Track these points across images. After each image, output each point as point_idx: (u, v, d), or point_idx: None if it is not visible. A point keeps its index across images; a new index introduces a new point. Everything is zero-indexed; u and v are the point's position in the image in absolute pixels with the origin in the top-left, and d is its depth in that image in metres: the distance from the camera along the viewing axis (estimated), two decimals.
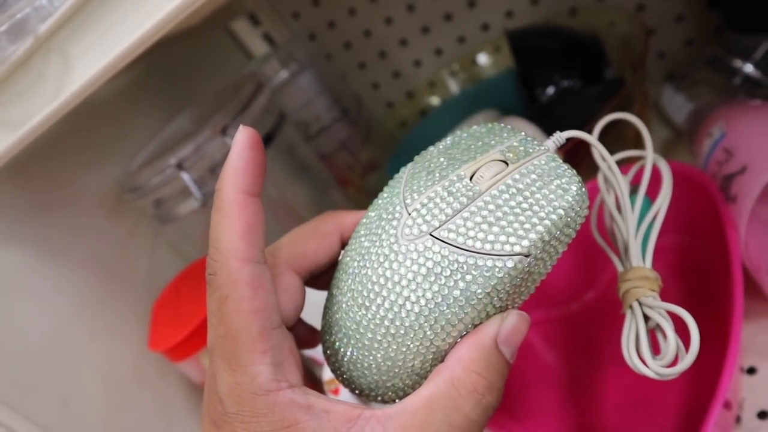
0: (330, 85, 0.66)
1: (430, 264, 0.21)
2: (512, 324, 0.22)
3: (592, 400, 0.44)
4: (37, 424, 0.43)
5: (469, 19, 0.64)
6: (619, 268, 0.29)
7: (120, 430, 0.47)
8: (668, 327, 0.24)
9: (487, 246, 0.20)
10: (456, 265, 0.21)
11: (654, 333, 0.26)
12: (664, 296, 0.45)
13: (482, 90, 0.64)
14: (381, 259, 0.22)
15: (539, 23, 0.56)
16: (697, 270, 0.43)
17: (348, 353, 0.23)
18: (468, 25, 0.65)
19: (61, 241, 0.48)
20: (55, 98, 0.34)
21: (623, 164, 0.32)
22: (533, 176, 0.22)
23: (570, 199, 0.21)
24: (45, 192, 0.48)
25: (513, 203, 0.21)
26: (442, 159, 0.24)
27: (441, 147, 0.25)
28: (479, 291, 0.20)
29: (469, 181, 0.22)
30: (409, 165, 0.25)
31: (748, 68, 0.49)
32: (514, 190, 0.21)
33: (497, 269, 0.20)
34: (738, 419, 0.35)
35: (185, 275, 0.50)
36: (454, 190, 0.22)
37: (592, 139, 0.27)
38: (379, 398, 0.24)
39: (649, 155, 0.29)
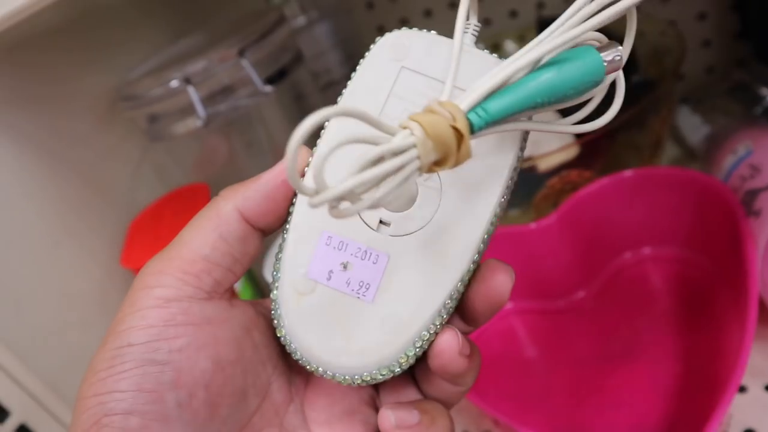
0: (345, 41, 0.63)
1: None
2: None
3: (571, 397, 0.43)
4: None
5: (498, 2, 0.63)
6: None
7: (72, 347, 0.44)
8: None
9: None
10: None
11: None
12: (659, 308, 0.44)
13: None
14: None
15: None
16: (698, 286, 0.43)
17: None
18: (496, 8, 0.63)
19: (41, 138, 0.45)
20: None
21: None
22: None
23: None
24: (35, 84, 0.45)
25: None
26: None
27: None
28: None
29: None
30: None
31: None
32: None
33: None
34: None
35: (169, 198, 0.47)
36: None
37: None
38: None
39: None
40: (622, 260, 0.46)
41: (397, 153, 0.17)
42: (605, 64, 0.19)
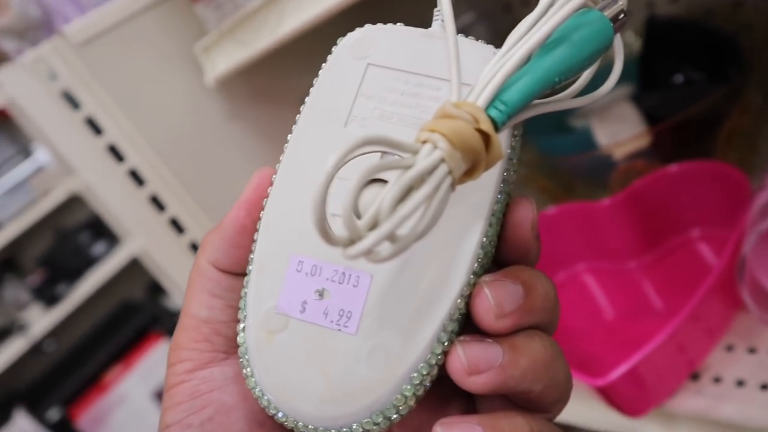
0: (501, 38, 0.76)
1: None
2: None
3: (634, 343, 0.55)
4: None
5: None
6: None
7: None
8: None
9: None
10: None
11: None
12: (709, 276, 0.53)
13: (629, 65, 0.70)
14: None
15: (682, 16, 0.61)
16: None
17: None
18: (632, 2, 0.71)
19: (268, 123, 0.68)
20: (271, 35, 0.51)
21: None
22: None
23: None
24: (262, 86, 0.68)
25: None
26: None
27: None
28: None
29: None
30: None
31: None
32: None
33: None
34: (696, 376, 0.45)
35: None
36: None
37: None
38: None
39: None
40: (680, 236, 0.55)
41: (426, 175, 0.15)
42: (611, 22, 0.19)
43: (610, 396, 0.43)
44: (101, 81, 0.57)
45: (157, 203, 0.61)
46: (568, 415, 0.51)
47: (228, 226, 0.22)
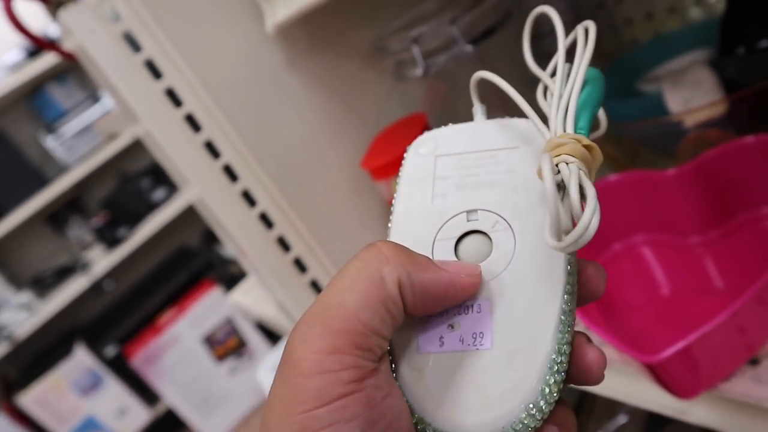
0: None
1: None
2: None
3: (690, 322, 0.53)
4: (282, 193, 0.64)
5: None
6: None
7: (333, 216, 0.67)
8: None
9: None
10: None
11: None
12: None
13: (710, 27, 0.66)
14: None
15: None
16: None
17: None
18: None
19: (324, 74, 0.67)
20: None
21: None
22: None
23: None
24: (321, 36, 0.66)
25: None
26: None
27: None
28: None
29: None
30: None
31: None
32: None
33: None
34: (755, 361, 0.43)
35: (404, 122, 0.67)
36: None
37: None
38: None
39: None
40: (750, 213, 0.52)
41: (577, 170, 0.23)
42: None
43: (660, 375, 0.41)
44: (161, 23, 0.57)
45: (211, 149, 0.61)
46: (615, 391, 0.50)
47: (438, 280, 0.23)
